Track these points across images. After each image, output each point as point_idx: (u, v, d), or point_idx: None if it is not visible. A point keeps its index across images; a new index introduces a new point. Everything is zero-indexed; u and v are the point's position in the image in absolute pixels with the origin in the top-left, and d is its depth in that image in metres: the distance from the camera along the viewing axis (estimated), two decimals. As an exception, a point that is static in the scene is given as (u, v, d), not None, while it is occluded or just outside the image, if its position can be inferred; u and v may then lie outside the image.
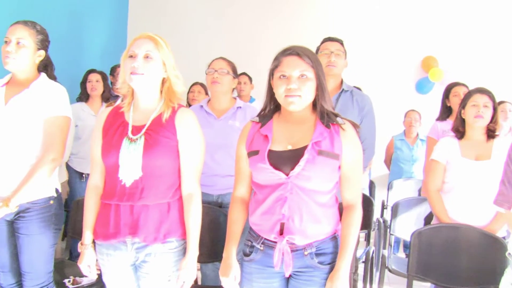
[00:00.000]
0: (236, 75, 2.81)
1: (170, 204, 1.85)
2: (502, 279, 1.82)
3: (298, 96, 1.68)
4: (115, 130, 1.87)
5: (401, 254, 4.65)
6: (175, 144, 1.84)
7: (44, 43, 2.27)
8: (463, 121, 2.67)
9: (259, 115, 1.85)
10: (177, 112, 1.87)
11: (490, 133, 2.64)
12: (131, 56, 1.81)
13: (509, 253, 1.81)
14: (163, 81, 1.88)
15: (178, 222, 1.86)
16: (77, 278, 2.56)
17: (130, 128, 1.84)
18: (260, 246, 1.76)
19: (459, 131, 2.68)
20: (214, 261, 2.43)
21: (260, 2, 5.93)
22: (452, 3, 5.61)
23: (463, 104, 2.68)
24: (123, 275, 1.89)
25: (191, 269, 1.83)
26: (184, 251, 1.88)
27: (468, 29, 5.57)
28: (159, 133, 1.82)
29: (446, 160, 2.65)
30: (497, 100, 4.28)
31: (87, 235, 1.91)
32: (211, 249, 2.32)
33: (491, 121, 2.63)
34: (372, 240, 3.71)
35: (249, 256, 1.80)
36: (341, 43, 2.72)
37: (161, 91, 1.89)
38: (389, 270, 3.01)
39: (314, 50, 2.66)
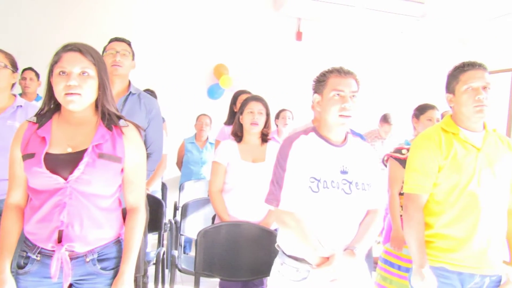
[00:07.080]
0: (15, 69, 2.55)
1: None
2: (272, 268, 2.01)
3: (78, 94, 1.60)
4: None
5: (194, 253, 4.78)
6: None
7: None
8: (241, 126, 2.86)
9: (37, 114, 1.71)
10: None
11: (264, 137, 2.89)
12: None
13: (278, 245, 2.01)
14: None
15: None
16: None
17: None
18: (36, 256, 1.63)
19: (238, 135, 2.87)
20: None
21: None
22: (243, 20, 6.11)
23: (241, 110, 2.86)
24: None
25: None
26: None
27: (254, 42, 6.16)
28: None
29: (227, 162, 2.81)
30: (279, 108, 4.83)
31: None
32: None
33: (264, 126, 2.85)
34: (166, 242, 3.76)
35: (24, 268, 1.65)
36: (129, 43, 2.66)
37: None
38: (179, 270, 3.09)
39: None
